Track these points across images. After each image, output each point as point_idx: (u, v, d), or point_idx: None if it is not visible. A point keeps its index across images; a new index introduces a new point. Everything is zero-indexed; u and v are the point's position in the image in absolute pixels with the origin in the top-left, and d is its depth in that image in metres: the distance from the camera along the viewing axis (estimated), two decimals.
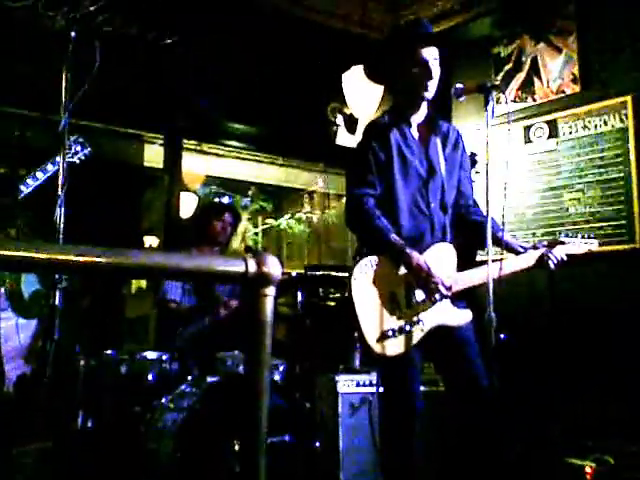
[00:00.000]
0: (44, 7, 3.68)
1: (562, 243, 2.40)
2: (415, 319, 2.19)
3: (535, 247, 2.39)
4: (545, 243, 2.42)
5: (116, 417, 2.75)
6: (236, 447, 2.34)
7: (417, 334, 2.19)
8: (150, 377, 2.83)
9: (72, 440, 2.70)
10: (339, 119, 4.70)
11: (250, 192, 7.05)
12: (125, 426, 2.70)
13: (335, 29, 4.50)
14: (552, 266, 2.35)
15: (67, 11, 3.74)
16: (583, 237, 2.47)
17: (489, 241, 2.08)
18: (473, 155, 2.24)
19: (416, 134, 2.37)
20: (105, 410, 2.77)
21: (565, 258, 2.38)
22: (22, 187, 2.66)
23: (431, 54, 2.29)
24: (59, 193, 2.35)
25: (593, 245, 2.48)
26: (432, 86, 2.30)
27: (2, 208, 2.70)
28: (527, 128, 3.94)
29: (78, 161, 2.83)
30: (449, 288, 2.20)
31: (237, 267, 1.10)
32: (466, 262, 2.32)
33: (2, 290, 3.86)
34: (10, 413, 2.83)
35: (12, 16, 3.59)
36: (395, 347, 2.15)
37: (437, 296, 2.21)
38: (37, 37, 3.60)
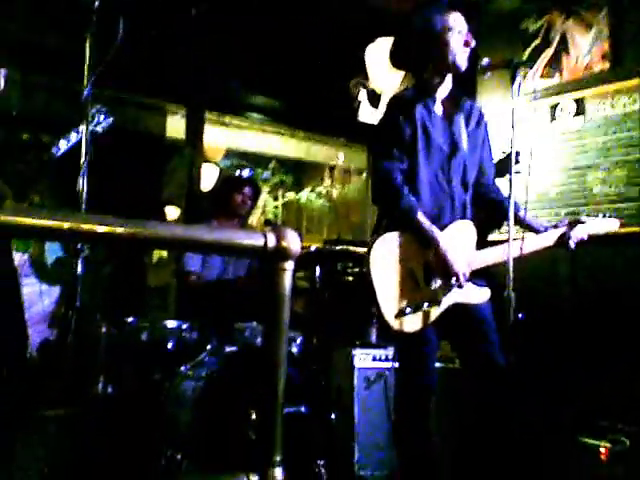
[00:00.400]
0: None
1: (583, 222, 2.38)
2: (432, 297, 2.19)
3: (556, 226, 2.39)
4: (566, 222, 2.41)
5: (136, 384, 2.81)
6: (253, 416, 2.38)
7: (434, 311, 2.20)
8: (170, 345, 2.88)
9: (92, 406, 2.77)
10: (362, 94, 4.64)
11: (271, 165, 7.04)
12: (145, 393, 2.75)
13: (359, 1, 4.42)
14: (572, 245, 2.34)
15: None
16: (604, 217, 2.45)
17: (510, 220, 2.07)
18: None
19: (440, 110, 2.34)
20: (125, 377, 2.83)
21: (585, 238, 2.37)
22: (48, 154, 2.69)
23: (460, 22, 2.26)
24: (82, 162, 2.38)
25: (614, 225, 2.46)
26: (465, 54, 2.26)
27: (26, 175, 2.73)
28: (554, 106, 3.86)
29: (101, 130, 2.84)
30: (468, 278, 2.20)
31: (256, 241, 1.11)
32: (480, 240, 2.32)
33: (26, 256, 3.94)
34: (33, 377, 2.91)
35: None
36: (412, 324, 2.15)
37: (455, 283, 2.20)
38: (62, 7, 3.60)
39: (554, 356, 3.43)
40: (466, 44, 2.25)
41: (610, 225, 2.46)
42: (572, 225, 2.37)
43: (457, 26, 2.25)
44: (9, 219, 0.92)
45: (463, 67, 2.28)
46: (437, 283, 2.21)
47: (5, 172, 2.66)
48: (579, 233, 2.35)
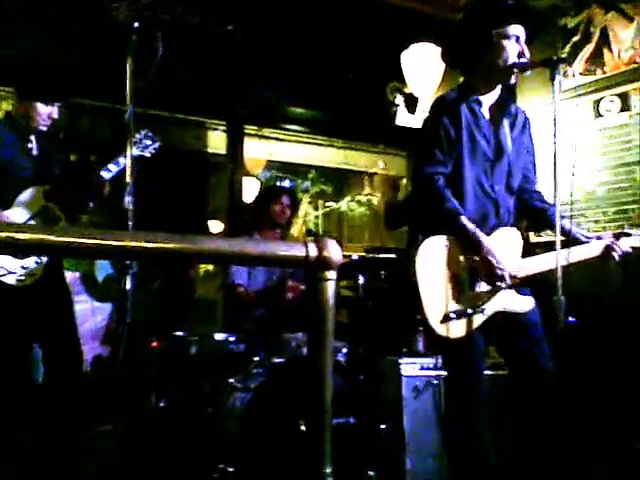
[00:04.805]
0: None
1: (627, 235, 2.37)
2: (477, 303, 2.16)
3: (599, 237, 2.37)
4: (610, 234, 2.39)
5: (186, 397, 2.85)
6: (302, 427, 2.38)
7: (479, 318, 2.16)
8: (218, 358, 2.91)
9: (144, 420, 2.81)
10: (398, 99, 4.63)
11: (310, 175, 7.07)
12: (195, 405, 2.79)
13: (393, 6, 4.43)
14: (617, 258, 2.32)
15: (131, 2, 3.84)
16: None
17: (557, 227, 2.03)
18: None
19: (487, 114, 2.31)
20: (176, 390, 2.87)
21: (630, 250, 2.35)
22: (99, 177, 2.76)
23: (520, 32, 2.22)
24: (128, 181, 2.43)
25: None
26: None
27: (77, 198, 2.81)
28: (597, 102, 3.77)
29: (148, 154, 2.91)
30: (514, 278, 2.16)
31: (298, 252, 1.12)
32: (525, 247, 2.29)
33: (77, 275, 4.05)
34: (87, 393, 2.98)
35: (78, 9, 3.72)
36: (457, 329, 2.13)
37: (501, 285, 2.17)
38: (102, 28, 3.72)
39: (607, 360, 3.32)
40: (520, 55, 2.21)
41: None
42: (617, 237, 2.35)
43: (515, 35, 2.21)
44: (62, 240, 0.95)
45: (512, 79, 2.24)
46: (483, 287, 2.18)
47: (58, 195, 2.75)
48: (624, 246, 2.33)
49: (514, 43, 2.20)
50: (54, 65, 3.08)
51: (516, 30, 2.21)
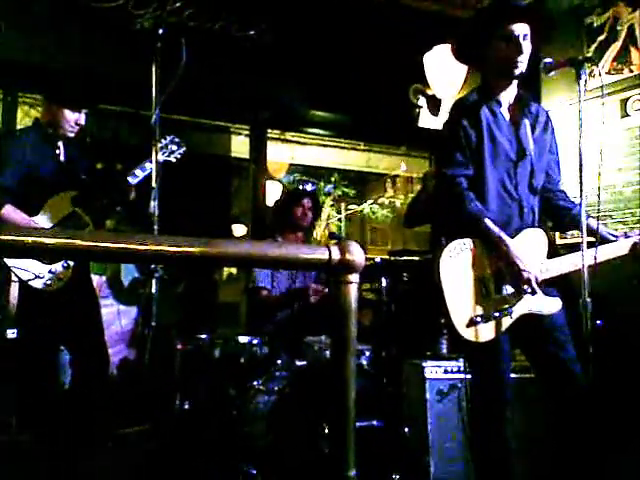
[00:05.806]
0: (133, 7, 3.85)
1: None
2: (504, 306, 2.14)
3: (627, 235, 2.33)
4: (638, 232, 2.35)
5: (211, 399, 2.87)
6: (325, 430, 2.38)
7: (506, 321, 2.14)
8: (242, 361, 2.93)
9: (170, 421, 2.84)
10: (421, 101, 4.61)
11: (333, 178, 7.08)
12: (219, 408, 2.81)
13: (415, 9, 4.42)
14: None
15: (155, 9, 3.90)
16: None
17: (583, 226, 2.00)
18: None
19: (507, 114, 2.29)
20: (200, 392, 2.89)
21: None
22: (126, 182, 2.80)
23: (521, 30, 2.20)
24: (153, 186, 2.46)
25: None
26: (522, 63, 2.21)
27: (104, 203, 2.85)
28: (624, 101, 3.71)
29: (174, 160, 2.94)
30: (540, 284, 2.14)
31: (321, 255, 1.12)
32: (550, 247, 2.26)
33: (103, 279, 4.11)
34: (114, 396, 3.01)
35: (105, 17, 3.79)
36: (485, 333, 2.11)
37: (526, 289, 2.14)
38: (128, 36, 3.77)
39: (635, 364, 3.26)
40: (519, 51, 2.19)
41: None
42: None
43: (515, 34, 2.19)
44: (89, 244, 0.97)
45: (519, 73, 2.22)
46: (508, 291, 2.16)
47: (86, 201, 2.79)
48: None
49: (514, 42, 2.19)
50: (81, 72, 3.13)
51: (518, 29, 2.19)
